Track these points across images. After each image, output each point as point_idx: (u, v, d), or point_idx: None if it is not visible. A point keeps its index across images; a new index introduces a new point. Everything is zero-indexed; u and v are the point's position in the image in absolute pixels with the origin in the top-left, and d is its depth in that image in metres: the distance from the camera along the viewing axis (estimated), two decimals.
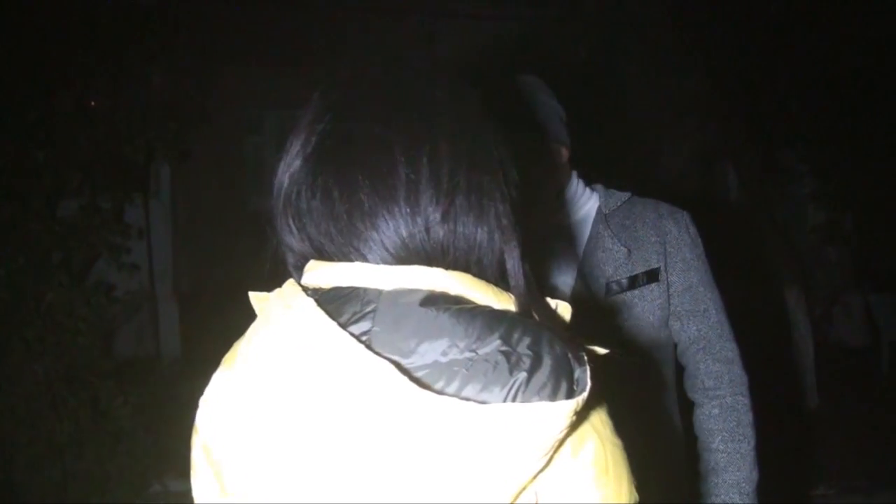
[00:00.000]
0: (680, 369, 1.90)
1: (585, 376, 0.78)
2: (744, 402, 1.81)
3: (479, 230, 0.89)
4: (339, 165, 0.88)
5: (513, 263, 0.90)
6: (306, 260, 0.92)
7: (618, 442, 0.86)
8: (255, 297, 0.96)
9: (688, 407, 1.90)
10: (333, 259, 0.89)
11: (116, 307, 4.52)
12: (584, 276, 1.82)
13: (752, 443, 1.78)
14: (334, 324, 0.80)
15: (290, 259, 0.94)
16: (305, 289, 0.88)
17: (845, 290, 7.19)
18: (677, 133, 5.94)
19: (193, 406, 0.95)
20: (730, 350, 1.84)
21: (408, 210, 0.85)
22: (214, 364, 0.97)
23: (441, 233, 0.87)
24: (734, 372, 1.82)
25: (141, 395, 4.06)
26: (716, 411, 1.80)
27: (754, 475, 1.77)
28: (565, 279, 1.83)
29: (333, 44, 4.64)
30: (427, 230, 0.86)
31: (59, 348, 4.01)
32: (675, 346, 1.89)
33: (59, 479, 3.87)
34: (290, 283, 0.90)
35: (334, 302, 0.85)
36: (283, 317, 0.84)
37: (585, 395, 0.77)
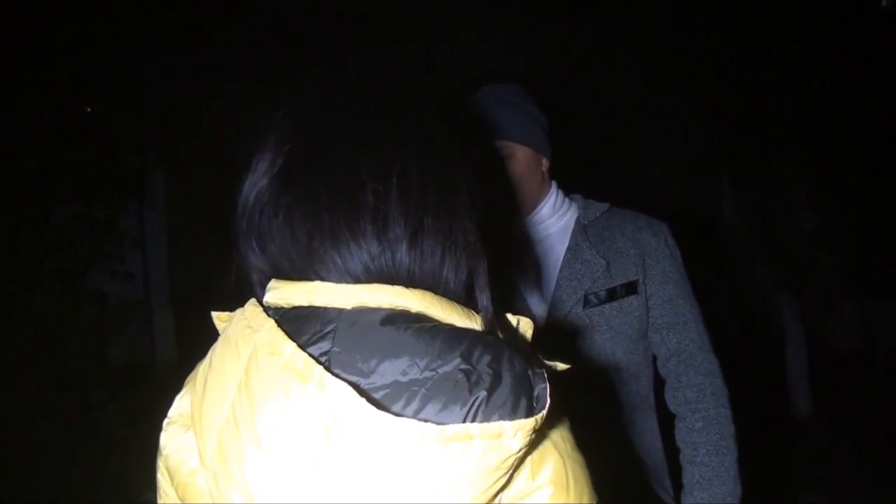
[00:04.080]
0: (659, 381, 1.90)
1: (545, 393, 0.78)
2: (726, 414, 1.81)
3: (447, 252, 0.89)
4: (303, 186, 0.88)
5: (480, 283, 0.91)
6: (269, 278, 0.92)
7: (578, 458, 0.86)
8: (218, 317, 0.96)
9: (667, 419, 1.90)
10: (294, 279, 0.89)
11: (110, 315, 4.50)
12: (561, 288, 1.81)
13: (735, 456, 1.78)
14: (293, 345, 0.79)
15: (254, 277, 0.94)
16: (267, 308, 0.88)
17: (839, 297, 7.19)
18: (669, 139, 5.94)
19: None
20: (710, 362, 1.84)
21: (373, 231, 0.86)
22: None
23: (407, 254, 0.87)
24: (716, 384, 1.82)
25: (135, 404, 4.04)
26: (699, 424, 1.79)
27: (738, 489, 1.76)
28: (543, 291, 1.83)
29: (330, 51, 4.64)
30: (392, 252, 0.86)
31: (52, 356, 3.99)
32: (654, 358, 1.89)
33: (52, 488, 3.84)
34: (251, 303, 0.89)
35: (295, 322, 0.85)
36: (243, 338, 0.83)
37: (544, 412, 0.76)
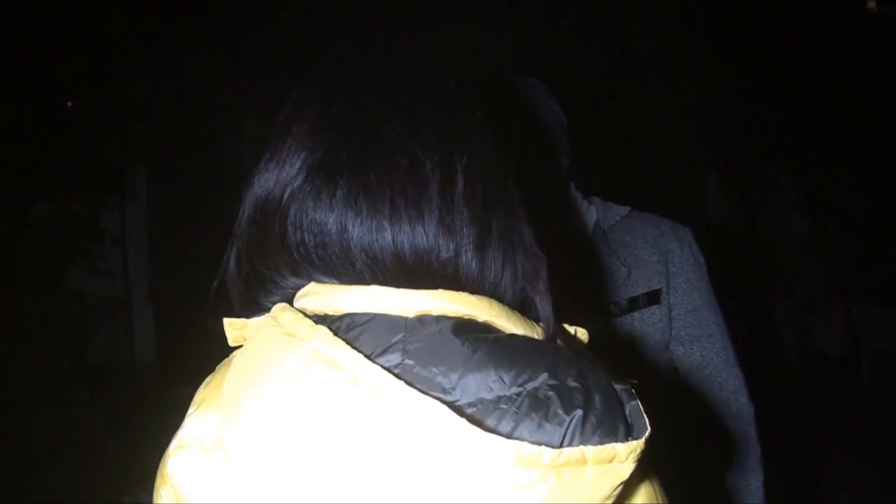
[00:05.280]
0: (682, 396, 1.79)
1: (639, 411, 0.69)
2: (752, 433, 1.72)
3: (507, 258, 0.80)
4: (359, 179, 0.77)
5: (540, 289, 0.81)
6: (296, 287, 0.81)
7: (658, 480, 0.78)
8: (231, 325, 0.85)
9: (690, 436, 1.80)
10: (342, 282, 0.78)
11: (89, 314, 4.42)
12: (579, 297, 1.71)
13: (762, 478, 1.70)
14: (360, 356, 0.67)
15: (278, 286, 0.83)
16: (305, 316, 0.76)
17: (826, 301, 7.19)
18: (659, 141, 5.92)
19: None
20: (736, 377, 1.74)
21: (440, 232, 0.76)
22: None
23: (474, 260, 0.78)
24: (741, 401, 1.73)
25: (113, 404, 3.96)
26: (724, 443, 1.71)
27: None
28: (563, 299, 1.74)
29: (317, 49, 4.59)
30: (458, 257, 0.77)
31: (29, 357, 3.90)
32: (677, 371, 1.78)
33: (29, 490, 3.75)
34: (284, 308, 0.77)
35: (351, 331, 0.73)
36: (286, 348, 0.71)
37: (649, 432, 0.67)
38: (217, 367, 0.85)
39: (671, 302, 1.72)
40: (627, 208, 1.81)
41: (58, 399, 3.94)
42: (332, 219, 0.77)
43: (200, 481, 0.76)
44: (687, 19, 5.37)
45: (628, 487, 0.70)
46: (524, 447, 0.62)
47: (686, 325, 1.73)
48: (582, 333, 0.90)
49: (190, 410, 0.82)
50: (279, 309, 0.77)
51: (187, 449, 0.78)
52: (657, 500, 0.75)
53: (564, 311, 0.86)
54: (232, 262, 0.86)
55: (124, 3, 4.32)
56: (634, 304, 1.70)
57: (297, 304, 0.79)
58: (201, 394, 0.83)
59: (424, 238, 0.76)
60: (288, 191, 0.79)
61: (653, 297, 1.71)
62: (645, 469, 0.74)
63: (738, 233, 6.41)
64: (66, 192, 4.31)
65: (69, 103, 4.40)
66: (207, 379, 0.84)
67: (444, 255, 0.76)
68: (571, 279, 1.73)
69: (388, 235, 0.76)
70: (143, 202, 5.28)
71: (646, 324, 1.70)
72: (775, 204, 6.54)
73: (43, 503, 3.77)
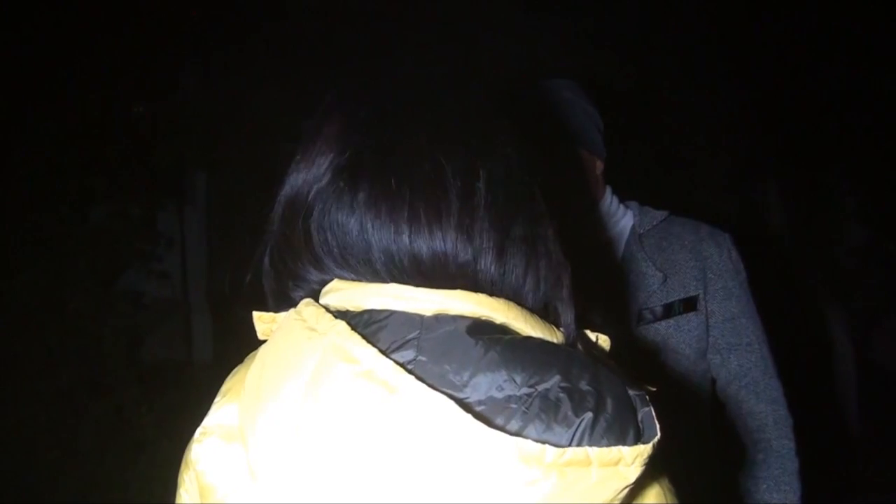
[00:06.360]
0: (718, 406, 1.76)
1: (651, 418, 0.70)
2: (789, 446, 1.67)
3: (530, 265, 0.81)
4: (381, 182, 0.79)
5: (563, 297, 0.83)
6: (317, 281, 0.84)
7: (673, 489, 0.79)
8: (259, 318, 0.87)
9: (727, 447, 1.76)
10: (362, 280, 0.81)
11: (144, 314, 4.48)
12: (613, 302, 1.69)
13: (798, 493, 1.64)
14: (374, 351, 0.69)
15: (304, 281, 0.85)
16: (327, 311, 0.78)
17: (886, 312, 7.02)
18: (713, 149, 5.84)
19: None
20: (774, 388, 1.69)
21: (459, 236, 0.78)
22: None
23: (493, 265, 0.79)
24: (779, 413, 1.68)
25: (167, 403, 4.01)
26: (760, 456, 1.66)
27: None
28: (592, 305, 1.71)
29: (372, 53, 4.63)
30: (476, 260, 0.78)
31: (83, 355, 3.96)
32: (714, 381, 1.75)
33: (80, 488, 3.81)
34: (308, 304, 0.79)
35: (369, 326, 0.76)
36: (306, 342, 0.73)
37: (658, 437, 0.68)
38: (246, 359, 0.88)
39: (708, 309, 1.69)
40: (665, 213, 1.78)
41: (110, 397, 4.00)
42: (353, 220, 0.79)
43: (220, 468, 0.79)
44: (739, 23, 5.30)
45: (637, 490, 0.71)
46: (528, 445, 0.63)
47: (723, 333, 1.69)
48: (604, 340, 0.91)
49: (216, 399, 0.86)
50: (304, 304, 0.80)
51: (210, 437, 0.82)
52: (666, 500, 0.75)
53: (593, 318, 0.87)
54: (265, 259, 0.89)
55: (181, 9, 4.40)
56: (670, 311, 1.67)
57: (321, 300, 0.82)
58: (228, 384, 0.87)
59: (442, 242, 0.77)
60: (314, 189, 0.83)
61: (689, 304, 1.67)
62: (654, 472, 0.75)
63: (797, 242, 6.30)
64: (123, 194, 4.38)
65: (135, 109, 4.48)
66: (236, 370, 0.88)
67: (461, 259, 0.78)
68: (603, 285, 1.72)
69: (406, 238, 0.78)
70: (203, 206, 5.34)
71: (682, 331, 1.67)
72: (834, 212, 6.42)
73: (93, 500, 3.83)
